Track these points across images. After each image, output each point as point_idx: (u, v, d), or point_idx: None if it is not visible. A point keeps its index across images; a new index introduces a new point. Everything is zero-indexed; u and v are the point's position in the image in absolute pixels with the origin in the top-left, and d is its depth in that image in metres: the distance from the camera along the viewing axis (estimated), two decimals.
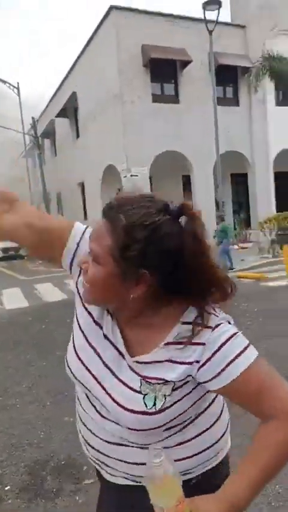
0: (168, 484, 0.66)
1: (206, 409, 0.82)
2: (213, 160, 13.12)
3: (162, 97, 13.77)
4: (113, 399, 0.76)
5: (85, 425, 0.84)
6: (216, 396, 0.83)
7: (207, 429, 0.82)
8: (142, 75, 13.29)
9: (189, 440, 0.80)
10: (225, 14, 9.94)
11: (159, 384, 0.73)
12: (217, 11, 9.07)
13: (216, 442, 0.83)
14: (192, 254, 0.69)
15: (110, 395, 0.76)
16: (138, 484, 0.79)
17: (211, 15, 9.62)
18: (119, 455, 0.80)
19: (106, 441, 0.80)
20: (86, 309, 0.83)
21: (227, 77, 13.85)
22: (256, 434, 0.74)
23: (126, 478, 0.82)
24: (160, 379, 0.73)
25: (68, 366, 0.83)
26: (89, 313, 0.82)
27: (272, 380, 0.73)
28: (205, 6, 9.05)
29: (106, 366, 0.78)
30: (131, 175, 12.98)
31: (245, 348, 0.72)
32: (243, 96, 14.42)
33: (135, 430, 0.74)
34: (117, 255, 0.68)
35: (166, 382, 0.73)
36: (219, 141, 11.26)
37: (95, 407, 0.81)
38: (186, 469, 0.80)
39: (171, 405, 0.73)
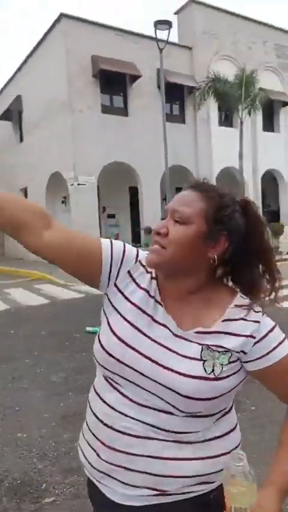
0: (250, 487, 0.71)
1: (231, 408, 0.89)
2: (160, 173, 13.48)
3: (111, 108, 13.90)
4: (171, 369, 0.79)
5: (105, 428, 0.83)
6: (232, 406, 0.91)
7: (232, 430, 0.88)
8: (92, 86, 13.31)
9: (220, 437, 0.85)
10: (172, 34, 10.45)
11: (218, 351, 0.80)
12: (167, 30, 9.44)
13: (235, 448, 0.87)
14: (258, 233, 0.85)
15: (167, 367, 0.79)
16: (164, 500, 0.80)
17: (160, 34, 9.99)
18: (149, 452, 0.80)
19: (135, 436, 0.80)
20: (121, 292, 0.87)
21: (174, 94, 14.38)
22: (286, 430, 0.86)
23: (149, 489, 0.80)
24: (220, 346, 0.80)
25: (110, 354, 0.83)
26: (129, 300, 0.86)
27: None
28: (156, 25, 9.38)
29: (157, 342, 0.82)
30: (78, 184, 12.85)
31: (285, 338, 0.84)
32: (189, 114, 15.05)
33: (197, 399, 0.78)
34: (211, 216, 0.81)
35: (225, 350, 0.80)
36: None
37: (129, 397, 0.82)
38: (215, 470, 0.83)
39: (226, 377, 0.80)
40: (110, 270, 0.87)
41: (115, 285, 0.88)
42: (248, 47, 16.35)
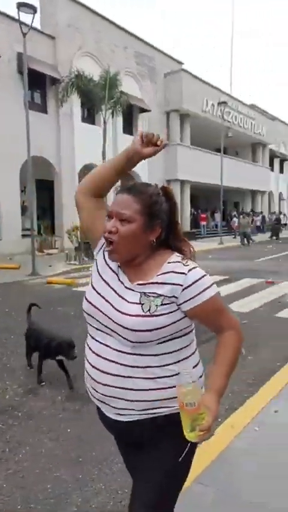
0: (196, 387, 1.02)
1: (188, 333, 1.17)
2: (19, 163, 12.76)
3: None
4: (120, 312, 1.09)
5: (96, 367, 1.14)
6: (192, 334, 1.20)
7: (194, 366, 1.17)
8: None
9: (170, 376, 1.11)
10: (35, 20, 9.89)
11: (153, 296, 1.09)
12: (32, 15, 8.95)
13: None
14: (174, 214, 1.17)
15: (118, 310, 1.10)
16: (141, 417, 1.11)
17: (23, 17, 9.38)
18: (127, 386, 1.09)
19: (117, 375, 1.10)
20: (105, 259, 1.20)
21: (36, 82, 13.75)
22: (219, 342, 1.15)
23: (129, 410, 1.11)
24: (154, 293, 1.09)
25: (87, 300, 1.17)
26: (106, 261, 1.19)
27: (225, 306, 1.17)
28: (19, 7, 8.78)
29: (115, 291, 1.13)
30: None
31: (212, 283, 1.13)
32: (51, 106, 14.65)
33: (138, 330, 1.07)
34: (145, 212, 1.10)
35: (158, 295, 1.09)
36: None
37: (104, 343, 1.14)
38: (159, 398, 1.11)
39: (160, 315, 1.08)
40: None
41: (103, 251, 1.19)
42: (111, 50, 16.88)
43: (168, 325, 1.09)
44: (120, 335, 1.09)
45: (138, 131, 1.09)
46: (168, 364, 1.11)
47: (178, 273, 1.10)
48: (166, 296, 1.09)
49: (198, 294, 1.09)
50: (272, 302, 6.39)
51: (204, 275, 1.12)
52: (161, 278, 1.10)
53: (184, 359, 1.14)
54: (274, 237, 21.65)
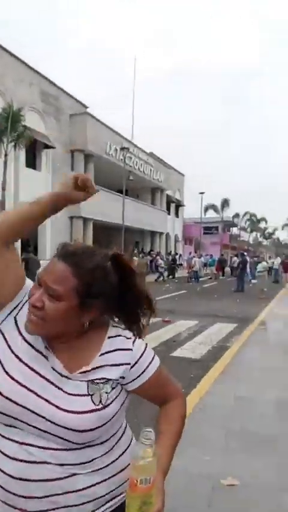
0: (155, 458, 0.84)
1: (125, 430, 1.01)
2: None
3: None
4: (64, 410, 0.86)
5: (17, 476, 0.86)
6: (126, 427, 1.03)
7: (130, 444, 1.01)
8: None
9: (122, 453, 0.97)
10: None
11: (102, 383, 0.91)
12: None
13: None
14: (131, 282, 0.96)
15: (60, 407, 0.86)
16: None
17: None
18: (67, 488, 0.87)
19: (27, 461, 0.86)
20: (21, 334, 0.92)
21: None
22: (163, 413, 1.03)
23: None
24: (103, 378, 0.92)
25: (3, 395, 0.85)
26: (24, 338, 0.91)
27: (168, 375, 1.05)
28: None
29: (50, 381, 0.88)
30: None
31: (154, 354, 1.01)
32: None
33: (87, 430, 0.87)
34: (82, 291, 0.87)
35: (107, 380, 0.92)
36: None
37: (31, 443, 0.87)
38: (108, 491, 0.93)
39: (111, 402, 0.91)
40: (18, 303, 0.94)
41: (14, 318, 0.93)
42: (15, 84, 16.76)
43: (117, 411, 0.94)
44: (59, 437, 0.86)
45: (69, 175, 0.87)
46: (113, 447, 0.96)
47: (124, 349, 0.95)
48: (114, 380, 0.93)
49: (145, 369, 0.97)
50: (168, 341, 6.64)
51: (146, 345, 1.00)
52: (106, 359, 0.93)
53: (125, 431, 1.01)
54: (170, 276, 22.94)
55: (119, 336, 0.97)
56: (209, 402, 3.66)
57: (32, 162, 18.16)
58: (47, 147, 18.58)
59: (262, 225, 61.89)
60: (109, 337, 0.96)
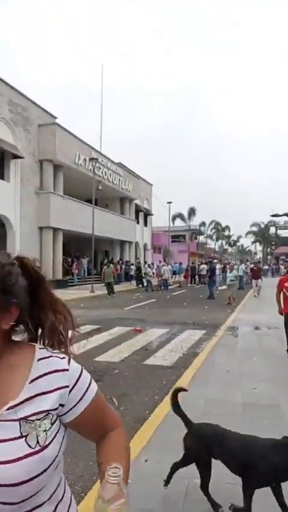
0: (127, 499, 0.70)
1: (65, 488, 0.87)
2: None
3: None
4: None
5: None
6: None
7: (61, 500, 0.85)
8: None
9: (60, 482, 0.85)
10: None
11: (38, 419, 0.76)
12: None
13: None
14: (43, 288, 0.87)
15: None
16: None
17: None
18: None
19: None
20: None
21: None
22: (107, 444, 0.88)
23: None
24: (38, 412, 0.76)
25: None
26: None
27: (105, 401, 0.91)
28: None
29: None
30: None
31: (91, 377, 0.88)
32: None
33: (26, 481, 0.72)
34: None
35: (45, 414, 0.77)
36: None
37: None
38: None
39: (52, 441, 0.77)
40: None
41: None
42: None
43: (58, 453, 0.79)
44: None
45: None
46: (54, 491, 0.81)
47: (60, 370, 0.81)
48: (52, 410, 0.78)
49: (85, 392, 0.84)
50: (140, 350, 6.85)
51: (82, 367, 0.87)
52: (38, 385, 0.78)
53: (65, 489, 0.87)
54: (140, 285, 23.15)
55: (51, 356, 0.82)
56: (181, 406, 3.91)
57: (0, 172, 17.95)
58: (15, 157, 18.43)
59: (226, 232, 63.92)
60: (39, 359, 0.81)
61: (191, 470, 2.64)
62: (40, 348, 0.85)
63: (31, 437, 0.74)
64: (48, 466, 0.76)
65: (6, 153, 17.53)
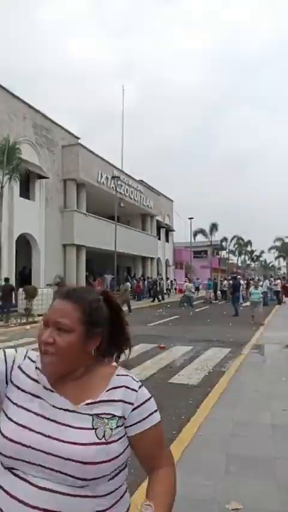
0: None
1: (125, 491, 1.01)
2: None
3: None
4: (68, 442, 0.90)
5: None
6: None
7: (124, 494, 1.01)
8: None
9: (119, 501, 0.97)
10: None
11: (107, 418, 0.95)
12: None
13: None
14: (120, 317, 1.10)
15: (64, 440, 0.90)
16: None
17: None
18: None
19: (44, 509, 0.87)
20: (16, 386, 1.00)
21: None
22: (157, 479, 1.00)
23: None
24: (107, 413, 0.95)
25: (12, 440, 0.91)
26: (19, 387, 0.99)
27: (163, 436, 1.05)
28: None
29: (50, 419, 0.93)
30: None
31: (157, 409, 1.03)
32: None
33: (92, 463, 0.89)
34: (86, 321, 0.99)
35: (112, 416, 0.95)
36: None
37: (28, 481, 0.89)
38: None
39: (116, 440, 0.94)
40: (6, 375, 1.01)
41: (11, 382, 1.00)
42: (10, 118, 17.34)
43: (122, 453, 0.95)
44: (63, 473, 0.89)
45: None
46: (114, 504, 0.95)
47: (130, 389, 0.99)
48: (119, 417, 0.96)
49: (147, 417, 0.99)
50: (165, 368, 6.79)
51: (151, 396, 1.03)
52: (112, 394, 0.98)
53: (121, 497, 0.98)
54: (156, 301, 22.80)
55: (127, 375, 1.02)
56: (209, 428, 3.83)
57: (26, 192, 18.53)
58: (40, 177, 19.03)
59: (249, 248, 63.02)
60: (117, 375, 1.01)
61: (222, 495, 2.59)
62: (120, 368, 1.05)
63: (99, 431, 0.93)
64: (112, 459, 0.92)
65: (32, 173, 18.13)
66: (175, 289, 29.07)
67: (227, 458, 3.17)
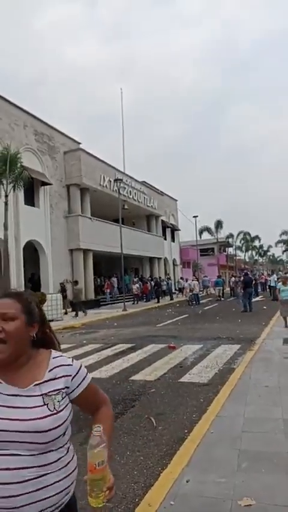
0: (104, 449, 1.13)
1: (70, 445, 1.30)
2: None
3: None
4: (30, 419, 1.15)
5: None
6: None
7: (73, 456, 1.31)
8: None
9: (72, 459, 1.28)
10: None
11: (54, 394, 1.22)
12: None
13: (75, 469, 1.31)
14: (44, 316, 1.38)
15: (26, 419, 1.14)
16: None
17: None
18: (32, 488, 1.12)
19: (27, 480, 1.12)
20: None
21: None
22: (99, 416, 1.35)
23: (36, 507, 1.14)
24: (53, 390, 1.23)
25: None
26: None
27: (97, 387, 1.39)
28: None
29: (7, 406, 1.16)
30: None
31: (87, 372, 1.35)
32: None
33: (49, 430, 1.16)
34: (25, 311, 1.26)
35: (57, 391, 1.23)
36: None
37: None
38: (71, 483, 1.24)
39: (63, 409, 1.22)
40: None
41: None
42: (11, 127, 17.53)
43: (68, 416, 1.24)
44: (29, 442, 1.13)
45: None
46: (68, 447, 1.27)
47: (66, 365, 1.29)
48: (62, 389, 1.24)
49: (83, 380, 1.31)
50: (175, 367, 6.81)
51: (81, 364, 1.35)
52: (53, 373, 1.25)
53: (70, 445, 1.31)
54: (169, 299, 22.90)
55: (60, 356, 1.31)
56: (220, 425, 3.85)
57: (30, 200, 18.70)
58: (44, 184, 19.18)
59: (256, 243, 62.59)
60: (54, 358, 1.29)
61: (234, 492, 2.61)
62: (54, 351, 1.33)
63: (50, 405, 1.20)
64: (63, 422, 1.21)
65: (36, 181, 18.29)
66: (180, 288, 28.88)
67: (239, 454, 3.18)
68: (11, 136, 17.03)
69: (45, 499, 1.13)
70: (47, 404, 1.18)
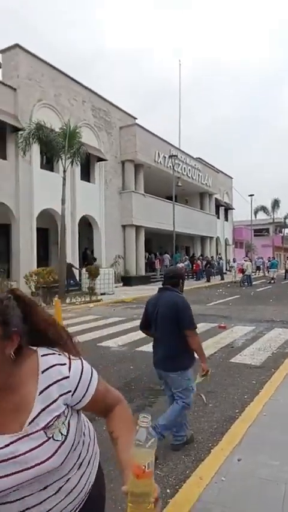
0: (153, 446, 0.84)
1: (85, 435, 1.10)
2: None
3: None
4: (37, 464, 0.91)
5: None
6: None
7: (90, 441, 1.12)
8: None
9: (90, 441, 1.11)
10: None
11: (55, 421, 0.95)
12: None
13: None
14: (35, 311, 1.02)
15: (33, 466, 0.90)
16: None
17: None
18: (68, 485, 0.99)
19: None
20: None
21: None
22: (114, 417, 1.10)
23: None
24: (53, 418, 0.94)
25: None
26: None
27: (106, 385, 1.11)
28: None
29: (6, 460, 0.90)
30: None
31: (92, 371, 1.05)
32: (10, 152, 14.87)
33: (63, 462, 0.95)
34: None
35: (57, 416, 0.95)
36: None
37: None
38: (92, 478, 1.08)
39: (69, 427, 0.97)
40: None
41: None
42: (70, 103, 17.78)
43: (76, 431, 1.01)
44: (42, 480, 0.95)
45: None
46: (88, 446, 1.10)
47: (61, 378, 0.97)
48: (64, 410, 0.97)
49: (87, 389, 1.02)
50: (226, 347, 6.76)
51: (83, 366, 1.03)
52: (46, 396, 0.95)
53: (89, 441, 1.11)
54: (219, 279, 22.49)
55: (54, 366, 0.97)
56: (273, 408, 3.79)
57: (86, 175, 19.08)
58: (100, 159, 19.42)
59: None
60: (43, 372, 0.96)
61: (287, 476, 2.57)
62: (42, 355, 0.99)
63: (56, 434, 0.94)
64: (73, 442, 0.98)
65: (92, 157, 18.55)
66: (232, 268, 28.26)
67: None
68: (70, 112, 17.31)
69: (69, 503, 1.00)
70: (52, 436, 0.93)
